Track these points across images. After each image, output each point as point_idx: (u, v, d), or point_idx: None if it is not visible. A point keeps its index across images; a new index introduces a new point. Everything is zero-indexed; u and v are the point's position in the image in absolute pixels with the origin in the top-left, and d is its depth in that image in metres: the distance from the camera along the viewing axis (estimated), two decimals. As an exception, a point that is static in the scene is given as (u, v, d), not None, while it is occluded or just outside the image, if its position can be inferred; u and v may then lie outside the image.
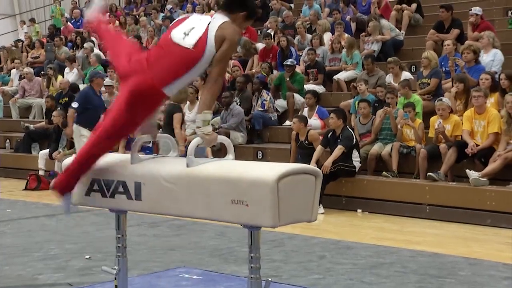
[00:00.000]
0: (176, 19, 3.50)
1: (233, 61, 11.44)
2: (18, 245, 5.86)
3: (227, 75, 10.95)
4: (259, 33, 12.98)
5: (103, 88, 12.01)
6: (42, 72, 13.55)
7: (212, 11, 3.45)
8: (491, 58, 8.77)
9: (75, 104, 9.22)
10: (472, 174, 6.96)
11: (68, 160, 3.60)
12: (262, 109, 9.84)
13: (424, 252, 5.55)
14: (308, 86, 10.24)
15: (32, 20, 19.15)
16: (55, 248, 5.74)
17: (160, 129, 8.43)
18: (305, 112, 9.21)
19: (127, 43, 3.61)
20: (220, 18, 3.31)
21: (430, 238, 6.31)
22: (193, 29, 3.27)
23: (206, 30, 3.24)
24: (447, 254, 5.47)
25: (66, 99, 11.74)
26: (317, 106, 9.17)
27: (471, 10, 10.05)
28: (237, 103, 9.76)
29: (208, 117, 3.28)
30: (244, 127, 9.55)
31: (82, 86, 12.38)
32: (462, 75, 8.19)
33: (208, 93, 3.27)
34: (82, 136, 8.93)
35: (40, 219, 7.35)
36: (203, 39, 3.23)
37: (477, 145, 7.22)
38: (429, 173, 7.28)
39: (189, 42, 3.24)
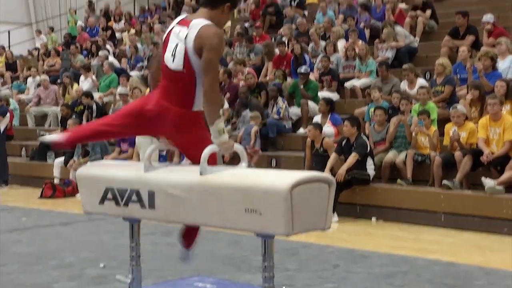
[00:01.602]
0: (166, 33, 3.49)
1: (247, 68, 11.46)
2: (33, 253, 5.89)
3: (241, 82, 10.96)
4: (273, 40, 12.99)
5: (117, 97, 12.09)
6: (58, 81, 13.62)
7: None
8: (508, 65, 8.70)
9: None
10: (488, 182, 6.90)
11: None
12: (277, 117, 9.83)
13: (439, 261, 5.51)
14: (322, 94, 10.22)
15: (51, 29, 19.25)
16: (70, 256, 5.76)
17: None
18: (318, 119, 9.18)
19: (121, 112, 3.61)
20: (197, 25, 3.30)
21: (445, 246, 6.27)
22: (176, 47, 3.33)
23: (186, 46, 3.29)
24: (463, 263, 5.42)
25: (81, 107, 11.83)
26: (330, 113, 9.15)
27: (483, 18, 9.99)
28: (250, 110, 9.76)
29: (221, 126, 3.29)
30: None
31: (96, 95, 12.43)
32: (477, 82, 8.13)
33: (209, 105, 3.30)
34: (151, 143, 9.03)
35: (55, 227, 7.38)
36: (186, 57, 3.29)
37: (493, 153, 7.16)
38: (444, 181, 7.23)
39: (178, 64, 3.32)
